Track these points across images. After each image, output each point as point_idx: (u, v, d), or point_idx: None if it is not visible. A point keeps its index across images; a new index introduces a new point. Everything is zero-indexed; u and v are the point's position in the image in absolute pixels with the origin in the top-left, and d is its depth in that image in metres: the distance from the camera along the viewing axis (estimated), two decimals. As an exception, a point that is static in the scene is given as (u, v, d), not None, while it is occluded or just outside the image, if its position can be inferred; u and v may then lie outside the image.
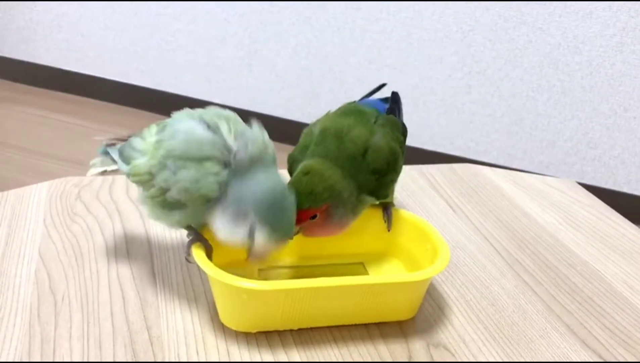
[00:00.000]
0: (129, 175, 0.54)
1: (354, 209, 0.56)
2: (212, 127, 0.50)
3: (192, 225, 0.53)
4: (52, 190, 0.71)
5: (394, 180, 0.60)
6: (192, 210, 0.51)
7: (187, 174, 0.49)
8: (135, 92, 2.35)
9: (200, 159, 0.49)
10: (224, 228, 0.50)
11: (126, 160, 0.54)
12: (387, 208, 0.62)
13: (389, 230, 0.61)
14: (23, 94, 2.40)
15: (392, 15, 1.95)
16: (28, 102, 2.34)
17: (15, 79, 2.48)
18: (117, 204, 0.69)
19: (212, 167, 0.49)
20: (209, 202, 0.50)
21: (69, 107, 2.33)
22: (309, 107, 2.14)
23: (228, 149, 0.50)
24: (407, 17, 1.93)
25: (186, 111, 0.53)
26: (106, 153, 0.58)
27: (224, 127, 0.50)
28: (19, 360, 0.47)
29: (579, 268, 0.66)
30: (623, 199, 1.86)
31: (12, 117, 2.23)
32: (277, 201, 0.49)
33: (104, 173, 0.59)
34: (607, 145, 1.87)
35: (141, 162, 0.52)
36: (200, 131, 0.50)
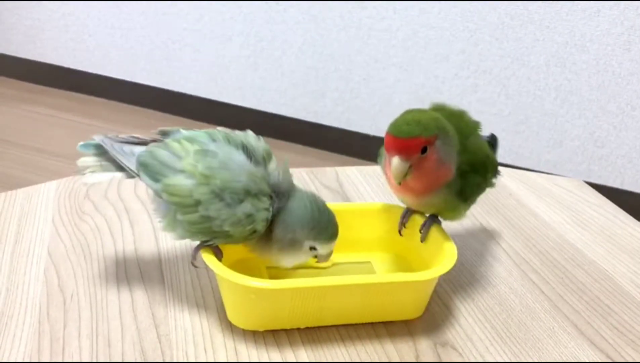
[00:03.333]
0: (161, 192, 0.51)
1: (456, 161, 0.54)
2: (256, 159, 0.52)
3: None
4: (61, 189, 0.71)
5: (476, 187, 0.57)
6: (233, 239, 0.52)
7: (243, 209, 0.50)
8: (142, 91, 2.36)
9: (257, 194, 0.50)
10: (288, 258, 0.54)
11: (154, 176, 0.51)
12: (431, 219, 0.58)
13: (422, 241, 0.58)
14: (30, 93, 2.41)
15: (398, 13, 1.94)
16: (35, 101, 2.35)
17: (23, 78, 2.49)
18: (125, 203, 0.70)
19: (265, 202, 0.51)
20: (255, 233, 0.51)
21: (76, 106, 2.34)
22: (315, 106, 2.14)
23: (272, 181, 0.52)
24: (413, 15, 1.93)
25: (210, 133, 0.53)
26: (102, 153, 0.54)
27: (259, 156, 0.52)
28: (29, 358, 0.48)
29: (587, 268, 0.66)
30: (631, 199, 1.85)
31: (20, 116, 2.24)
32: (319, 215, 0.52)
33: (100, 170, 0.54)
34: (614, 144, 1.86)
35: (184, 184, 0.50)
36: (250, 164, 0.51)
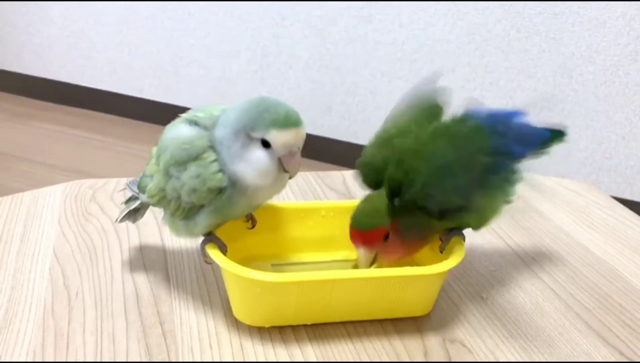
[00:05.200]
0: (149, 202, 0.55)
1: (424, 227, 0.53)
2: (193, 122, 0.51)
3: (219, 225, 0.53)
4: (67, 192, 0.71)
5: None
6: (214, 208, 0.51)
7: (189, 173, 0.49)
8: (149, 107, 2.37)
9: (196, 156, 0.49)
10: (248, 167, 0.48)
11: (143, 189, 0.55)
12: (454, 230, 0.56)
13: (441, 251, 0.55)
14: (40, 110, 2.43)
15: (404, 27, 1.95)
16: (45, 118, 2.37)
17: (32, 95, 2.51)
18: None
19: (209, 157, 0.49)
20: (222, 193, 0.50)
21: (84, 123, 2.36)
22: (321, 120, 2.14)
23: (212, 134, 0.50)
24: (419, 29, 1.94)
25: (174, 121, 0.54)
26: (132, 197, 0.59)
27: (200, 115, 0.51)
28: (32, 353, 0.47)
29: (597, 267, 0.65)
30: (640, 210, 1.84)
31: (29, 133, 2.26)
32: (259, 101, 0.48)
33: (134, 212, 0.60)
34: (623, 155, 1.85)
35: (152, 184, 0.53)
36: (185, 130, 0.51)
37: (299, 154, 0.49)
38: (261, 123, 0.47)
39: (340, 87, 2.10)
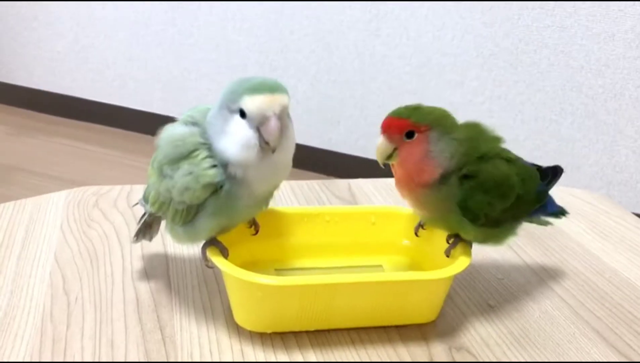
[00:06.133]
0: (151, 211, 0.54)
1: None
2: (189, 122, 0.51)
3: (223, 230, 0.52)
4: (70, 198, 0.71)
5: (487, 207, 0.52)
6: (214, 209, 0.49)
7: (181, 172, 0.49)
8: (158, 121, 2.36)
9: (188, 154, 0.49)
10: (229, 141, 0.47)
11: (147, 199, 0.55)
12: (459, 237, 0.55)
13: (447, 255, 0.55)
14: (50, 124, 2.44)
15: (412, 40, 1.95)
16: (54, 132, 2.38)
17: (43, 109, 2.53)
18: (135, 211, 0.69)
19: (200, 154, 0.48)
20: (219, 190, 0.48)
21: (94, 136, 2.37)
22: (329, 133, 2.14)
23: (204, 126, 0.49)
24: (427, 42, 1.94)
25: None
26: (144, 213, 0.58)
27: (194, 113, 0.51)
28: (29, 357, 0.46)
29: (608, 276, 0.63)
30: (652, 224, 1.81)
31: (39, 146, 2.27)
32: (237, 79, 0.48)
33: (147, 228, 0.59)
34: (633, 168, 1.83)
35: (152, 191, 0.53)
36: (180, 129, 0.50)
37: (275, 121, 0.46)
38: (237, 93, 0.46)
39: (349, 101, 2.09)
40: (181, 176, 0.49)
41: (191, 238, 0.53)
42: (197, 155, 0.48)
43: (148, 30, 2.29)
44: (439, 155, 0.50)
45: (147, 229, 0.59)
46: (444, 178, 0.51)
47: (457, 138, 0.51)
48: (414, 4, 1.92)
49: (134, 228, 0.65)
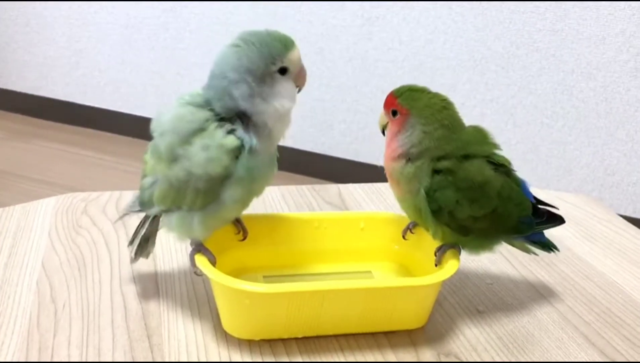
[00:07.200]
0: (160, 209, 0.52)
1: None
2: (184, 104, 0.50)
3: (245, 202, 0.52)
4: (59, 204, 0.71)
5: (454, 207, 0.52)
6: (240, 173, 0.48)
7: (197, 147, 0.47)
8: (150, 126, 2.37)
9: (200, 128, 0.48)
10: (277, 104, 0.49)
11: (148, 203, 0.53)
12: (448, 244, 0.55)
13: (436, 265, 0.55)
14: (42, 129, 2.43)
15: (404, 44, 1.96)
16: (47, 137, 2.37)
17: (35, 114, 2.52)
18: (123, 217, 0.69)
19: (211, 125, 0.48)
20: (238, 156, 0.48)
21: (86, 141, 2.36)
22: (322, 137, 2.14)
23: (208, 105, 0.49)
24: (419, 46, 1.94)
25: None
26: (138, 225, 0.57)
27: (187, 98, 0.50)
28: (16, 366, 0.46)
29: (596, 280, 0.63)
30: (644, 227, 1.82)
31: (31, 151, 2.26)
32: (247, 36, 0.49)
33: (144, 243, 0.56)
34: (624, 171, 1.84)
35: (157, 189, 0.51)
36: (182, 109, 0.49)
37: (304, 67, 0.51)
38: (271, 56, 0.48)
39: (341, 105, 2.10)
40: (198, 150, 0.48)
41: (208, 224, 0.51)
42: (208, 127, 0.48)
43: (140, 34, 2.28)
44: (404, 140, 0.53)
45: (144, 244, 0.56)
46: (409, 160, 0.53)
47: (428, 131, 0.52)
48: (405, 8, 1.92)
49: (123, 235, 0.65)
